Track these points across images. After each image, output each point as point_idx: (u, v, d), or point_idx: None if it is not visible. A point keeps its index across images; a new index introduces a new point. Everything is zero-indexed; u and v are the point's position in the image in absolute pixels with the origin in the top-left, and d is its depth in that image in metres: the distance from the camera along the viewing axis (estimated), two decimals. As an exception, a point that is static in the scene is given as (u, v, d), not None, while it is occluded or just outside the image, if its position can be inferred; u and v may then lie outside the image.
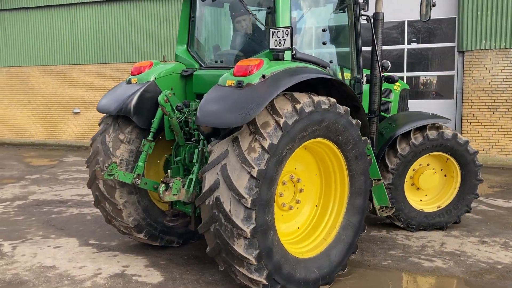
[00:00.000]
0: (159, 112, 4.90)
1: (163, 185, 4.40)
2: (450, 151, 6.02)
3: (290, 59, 4.53)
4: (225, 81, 4.20)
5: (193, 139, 4.86)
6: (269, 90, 3.95)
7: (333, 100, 4.34)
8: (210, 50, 5.60)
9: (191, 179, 4.52)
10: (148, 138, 4.87)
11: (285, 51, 4.45)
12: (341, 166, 4.64)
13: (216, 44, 5.65)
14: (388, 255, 5.39)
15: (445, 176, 6.29)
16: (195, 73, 5.20)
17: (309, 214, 4.80)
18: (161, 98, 4.68)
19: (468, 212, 6.35)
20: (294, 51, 4.54)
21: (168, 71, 5.19)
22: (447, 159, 6.11)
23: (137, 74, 5.15)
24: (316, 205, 4.81)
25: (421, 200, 6.28)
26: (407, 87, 7.37)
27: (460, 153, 6.04)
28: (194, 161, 4.60)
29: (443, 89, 12.41)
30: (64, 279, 4.78)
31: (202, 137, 4.60)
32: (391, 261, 5.24)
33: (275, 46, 4.38)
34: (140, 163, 4.87)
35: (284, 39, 4.31)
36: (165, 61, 5.48)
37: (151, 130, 4.90)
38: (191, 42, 5.46)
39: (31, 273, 4.94)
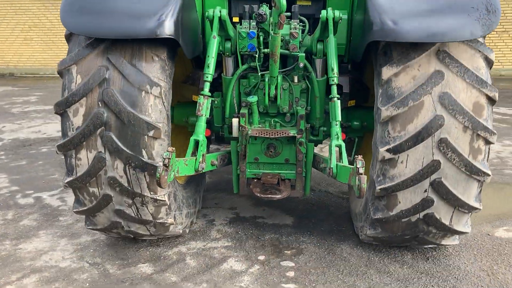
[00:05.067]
0: (213, 41, 3.08)
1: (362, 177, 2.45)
2: None
3: None
4: None
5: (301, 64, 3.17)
6: None
7: None
8: None
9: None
10: (204, 92, 3.07)
11: None
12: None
13: None
14: None
15: None
16: None
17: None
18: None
19: None
20: None
21: None
22: None
23: None
24: None
25: None
26: None
27: None
28: (336, 116, 2.93)
29: None
30: None
31: (314, 63, 3.19)
32: None
33: None
34: (200, 136, 3.04)
35: None
36: None
37: (205, 79, 3.08)
38: None
39: None
